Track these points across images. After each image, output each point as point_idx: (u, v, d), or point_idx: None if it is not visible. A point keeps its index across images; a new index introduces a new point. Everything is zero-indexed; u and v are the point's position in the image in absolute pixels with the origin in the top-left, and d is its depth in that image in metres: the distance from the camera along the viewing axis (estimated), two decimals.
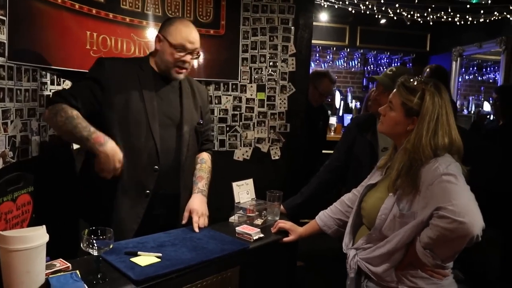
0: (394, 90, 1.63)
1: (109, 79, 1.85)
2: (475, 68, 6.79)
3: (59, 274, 1.39)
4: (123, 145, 1.82)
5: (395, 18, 4.84)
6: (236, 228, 1.95)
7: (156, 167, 1.92)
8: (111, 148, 1.73)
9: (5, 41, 1.71)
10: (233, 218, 2.14)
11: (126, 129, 1.86)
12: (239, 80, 3.01)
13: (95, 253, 1.37)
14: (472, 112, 7.05)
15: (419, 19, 4.83)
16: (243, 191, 2.25)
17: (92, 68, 1.92)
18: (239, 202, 2.20)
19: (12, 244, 1.24)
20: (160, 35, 1.95)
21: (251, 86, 3.03)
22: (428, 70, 3.38)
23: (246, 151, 3.08)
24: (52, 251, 1.42)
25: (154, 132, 1.91)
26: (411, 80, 1.59)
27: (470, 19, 4.83)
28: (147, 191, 1.91)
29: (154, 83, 1.96)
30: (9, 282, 1.26)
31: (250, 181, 2.31)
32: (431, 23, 4.90)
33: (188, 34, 1.94)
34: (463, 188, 1.41)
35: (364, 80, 7.01)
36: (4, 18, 1.70)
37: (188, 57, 1.95)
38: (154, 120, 1.91)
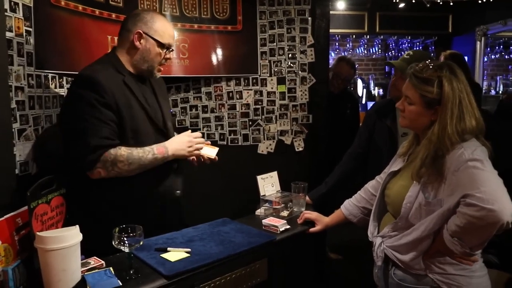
0: (407, 81, 1.57)
1: (111, 97, 1.67)
2: (501, 46, 6.58)
3: (93, 271, 1.45)
4: None
5: (413, 1, 4.73)
6: (263, 220, 1.97)
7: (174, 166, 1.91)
8: (174, 149, 1.79)
9: (32, 51, 1.78)
10: (259, 211, 2.17)
11: (140, 141, 1.75)
12: (259, 74, 3.03)
13: (126, 250, 1.42)
14: (500, 92, 6.86)
15: (439, 0, 4.71)
16: (268, 184, 2.28)
17: (88, 90, 1.64)
18: (264, 195, 2.23)
19: (48, 244, 1.30)
20: (141, 32, 1.79)
21: (271, 79, 3.04)
22: (442, 57, 3.31)
23: (270, 144, 3.10)
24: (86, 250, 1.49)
25: (161, 137, 1.85)
26: (423, 68, 1.53)
27: None
28: (177, 191, 1.93)
29: (137, 86, 1.82)
30: (47, 280, 1.33)
31: (274, 174, 2.33)
32: (451, 3, 4.76)
33: (171, 30, 1.88)
34: (491, 174, 1.37)
35: (386, 67, 6.91)
36: (30, 29, 1.77)
37: (172, 54, 1.89)
38: (156, 125, 1.84)
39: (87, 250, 1.51)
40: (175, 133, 2.13)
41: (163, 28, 1.83)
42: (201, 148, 1.90)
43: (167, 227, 1.89)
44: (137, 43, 1.80)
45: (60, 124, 1.79)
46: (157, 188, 1.84)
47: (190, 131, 1.92)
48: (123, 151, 1.67)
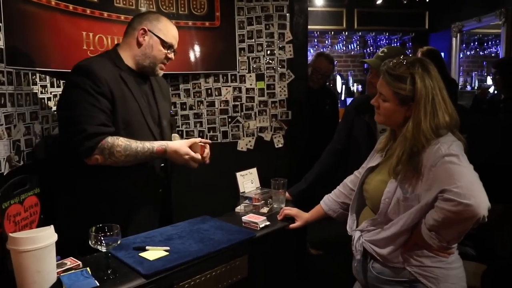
0: (380, 78, 1.58)
1: (106, 86, 1.71)
2: (476, 43, 6.72)
3: (70, 272, 1.41)
4: None
5: None
6: (242, 217, 1.96)
7: (162, 164, 1.95)
8: (172, 152, 1.77)
9: (2, 47, 1.73)
10: (239, 208, 2.16)
11: (131, 133, 1.77)
12: (237, 70, 3.01)
13: (104, 249, 1.39)
14: (476, 87, 6.99)
15: None
16: (247, 181, 2.27)
17: (83, 77, 1.69)
18: (244, 192, 2.22)
19: (21, 245, 1.26)
20: (145, 29, 1.86)
21: (250, 76, 3.03)
22: (419, 54, 3.35)
23: (250, 141, 3.09)
24: (63, 250, 1.45)
25: (155, 132, 1.89)
26: (395, 66, 1.53)
27: None
28: (160, 190, 1.94)
29: (134, 81, 1.87)
30: (21, 283, 1.29)
31: (253, 170, 2.32)
32: (427, 0, 4.83)
33: (175, 32, 1.94)
34: (467, 169, 1.39)
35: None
36: (0, 25, 1.72)
37: (173, 54, 1.95)
38: (150, 120, 1.87)
39: (76, 245, 1.51)
40: (176, 135, 2.18)
41: (167, 28, 1.91)
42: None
43: (153, 222, 1.91)
44: (140, 39, 1.86)
45: (57, 112, 1.85)
46: (146, 182, 1.86)
47: (199, 139, 1.88)
48: (121, 141, 1.70)
